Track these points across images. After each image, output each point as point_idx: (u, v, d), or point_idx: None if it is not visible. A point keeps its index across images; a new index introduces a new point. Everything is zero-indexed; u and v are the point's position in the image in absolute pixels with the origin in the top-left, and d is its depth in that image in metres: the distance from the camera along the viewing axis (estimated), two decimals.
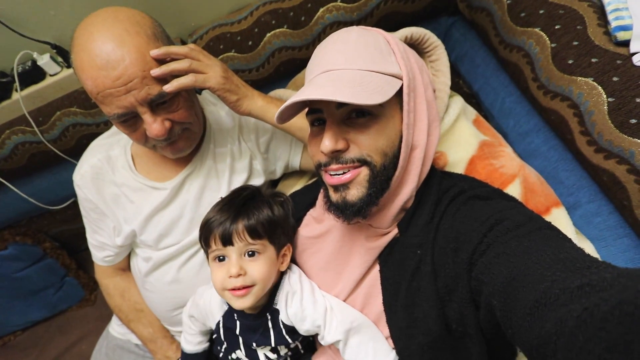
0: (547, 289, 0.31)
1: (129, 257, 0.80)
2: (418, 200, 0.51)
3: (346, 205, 0.47)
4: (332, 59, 0.46)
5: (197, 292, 0.67)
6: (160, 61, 0.53)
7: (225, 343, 0.62)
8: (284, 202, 0.64)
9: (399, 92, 0.46)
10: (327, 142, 0.45)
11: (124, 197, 0.70)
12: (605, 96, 0.52)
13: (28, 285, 1.05)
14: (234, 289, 0.55)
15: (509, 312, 0.34)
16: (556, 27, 0.59)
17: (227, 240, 0.55)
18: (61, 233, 1.10)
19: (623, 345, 0.24)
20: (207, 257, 0.60)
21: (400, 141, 0.47)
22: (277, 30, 0.78)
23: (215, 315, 0.63)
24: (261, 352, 0.60)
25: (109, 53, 0.49)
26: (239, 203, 0.59)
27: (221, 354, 0.63)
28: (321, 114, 0.48)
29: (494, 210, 0.44)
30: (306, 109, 0.51)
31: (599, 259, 0.34)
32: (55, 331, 1.10)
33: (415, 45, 0.65)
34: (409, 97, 0.46)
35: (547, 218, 0.60)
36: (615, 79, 0.52)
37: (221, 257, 0.56)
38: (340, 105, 0.45)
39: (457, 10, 0.82)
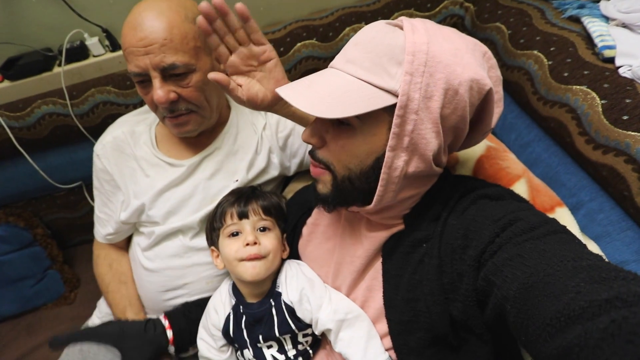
0: (571, 300, 0.30)
1: (127, 240, 0.79)
2: (428, 196, 0.50)
3: (317, 194, 0.49)
4: (342, 53, 0.46)
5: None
6: (185, 37, 0.58)
7: (234, 343, 0.60)
8: (281, 197, 0.71)
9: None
10: (304, 133, 0.47)
11: (140, 170, 0.72)
12: (598, 99, 0.60)
13: (8, 272, 0.97)
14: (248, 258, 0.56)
15: (526, 320, 0.33)
16: (551, 49, 0.69)
17: (243, 214, 0.60)
18: (56, 221, 1.06)
19: None
20: (214, 241, 0.63)
21: (378, 159, 0.44)
22: (307, 41, 0.88)
23: (226, 308, 0.61)
24: (268, 353, 0.58)
25: (144, 18, 0.57)
26: (249, 189, 0.65)
27: None
28: None
29: (506, 210, 0.43)
30: None
31: (605, 257, 0.35)
32: (22, 330, 0.99)
33: None
34: (401, 120, 0.41)
35: (552, 216, 0.63)
36: (605, 85, 0.60)
37: (235, 233, 0.60)
38: None
39: None
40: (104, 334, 0.55)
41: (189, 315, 0.64)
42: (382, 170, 0.43)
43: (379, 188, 0.44)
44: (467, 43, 0.44)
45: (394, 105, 0.41)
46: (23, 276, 1.00)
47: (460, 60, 0.41)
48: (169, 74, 0.59)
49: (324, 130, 0.46)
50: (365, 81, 0.42)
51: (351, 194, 0.47)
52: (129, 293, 0.74)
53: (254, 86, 0.55)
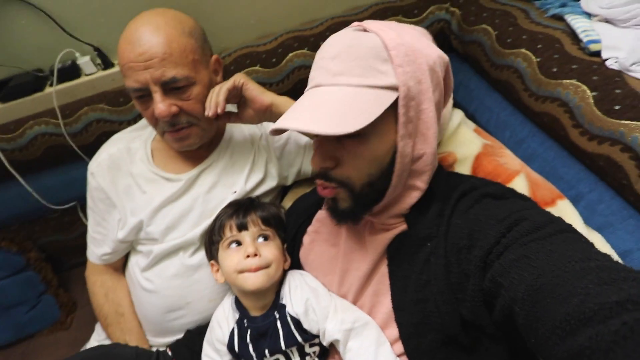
0: (581, 302, 0.29)
1: (122, 259, 0.77)
2: (426, 193, 0.50)
3: (337, 211, 0.49)
4: (323, 70, 0.45)
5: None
6: (184, 51, 0.59)
7: (241, 358, 0.58)
8: (280, 207, 0.71)
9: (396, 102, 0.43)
10: (315, 161, 0.46)
11: (136, 187, 0.71)
12: (589, 91, 0.61)
13: (1, 299, 0.94)
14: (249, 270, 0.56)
15: (535, 322, 0.33)
16: (538, 47, 0.71)
17: (242, 226, 0.59)
18: (50, 244, 1.03)
19: None
20: (214, 255, 0.62)
21: (394, 152, 0.45)
22: (299, 51, 0.89)
23: (229, 323, 0.60)
24: None
25: (142, 33, 0.57)
26: (247, 201, 0.65)
27: None
28: None
29: (511, 209, 0.43)
30: None
31: (612, 254, 0.35)
32: (17, 358, 0.95)
33: None
34: (405, 109, 0.43)
35: (553, 209, 0.63)
36: (595, 77, 0.61)
37: (235, 244, 0.59)
38: None
39: (451, 48, 0.97)
40: (119, 356, 0.54)
41: (192, 348, 0.63)
42: (397, 161, 0.45)
43: (394, 178, 0.46)
44: (416, 29, 0.49)
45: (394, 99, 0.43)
46: (17, 302, 0.97)
47: (423, 44, 0.46)
48: (170, 87, 0.59)
49: (333, 149, 0.46)
50: (362, 86, 0.42)
51: (370, 196, 0.48)
52: (127, 325, 0.72)
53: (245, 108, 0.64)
